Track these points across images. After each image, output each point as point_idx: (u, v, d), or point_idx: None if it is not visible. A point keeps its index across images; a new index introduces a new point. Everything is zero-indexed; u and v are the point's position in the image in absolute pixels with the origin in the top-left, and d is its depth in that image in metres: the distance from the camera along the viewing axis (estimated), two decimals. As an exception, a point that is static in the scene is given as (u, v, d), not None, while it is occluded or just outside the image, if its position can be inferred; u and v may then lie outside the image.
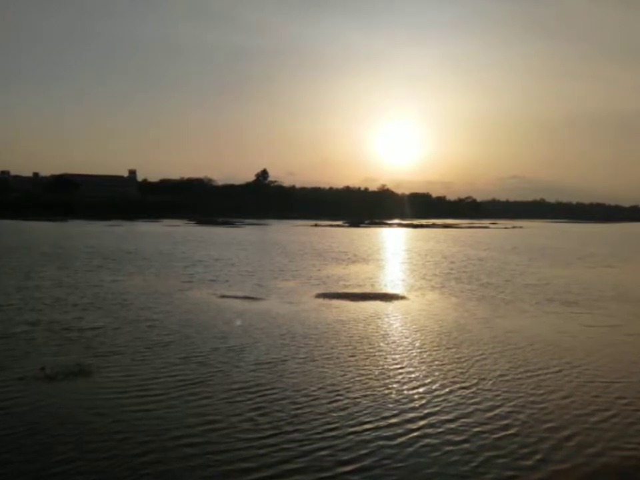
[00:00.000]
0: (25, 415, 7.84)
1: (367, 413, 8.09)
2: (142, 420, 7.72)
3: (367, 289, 21.63)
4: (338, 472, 6.35)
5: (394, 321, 15.39)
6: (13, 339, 12.04)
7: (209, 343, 12.15)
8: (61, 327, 13.27)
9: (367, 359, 11.13)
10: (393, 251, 46.25)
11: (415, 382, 9.65)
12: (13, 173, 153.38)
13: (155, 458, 6.59)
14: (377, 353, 11.59)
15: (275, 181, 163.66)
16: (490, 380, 9.86)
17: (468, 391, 9.20)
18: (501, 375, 10.15)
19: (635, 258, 44.61)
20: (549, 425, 7.85)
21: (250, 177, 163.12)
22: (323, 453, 6.78)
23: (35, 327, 13.25)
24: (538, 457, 6.84)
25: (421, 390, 9.21)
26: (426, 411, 8.23)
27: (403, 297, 19.41)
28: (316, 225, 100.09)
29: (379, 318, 15.55)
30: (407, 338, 13.11)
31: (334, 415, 8.02)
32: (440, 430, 7.55)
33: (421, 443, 7.12)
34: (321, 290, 20.69)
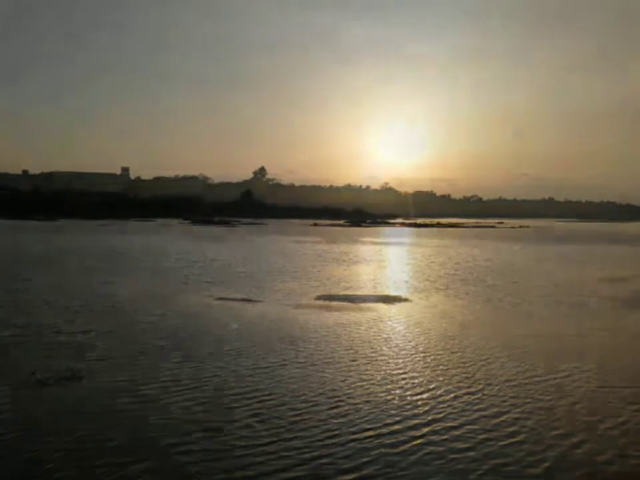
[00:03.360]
0: (14, 421, 7.83)
1: (368, 420, 8.09)
2: (135, 427, 7.71)
3: (369, 291, 21.64)
4: (339, 480, 6.36)
5: (397, 324, 15.40)
6: (2, 343, 12.05)
7: (205, 346, 12.15)
8: (52, 331, 13.25)
9: (368, 363, 11.14)
10: (396, 252, 46.26)
11: (418, 387, 9.66)
12: (0, 170, 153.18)
13: (149, 466, 6.58)
14: (379, 357, 11.59)
15: (273, 179, 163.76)
16: (496, 385, 9.86)
17: (473, 397, 9.20)
18: (507, 380, 10.15)
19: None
20: (557, 431, 7.85)
21: (248, 174, 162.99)
22: (323, 460, 6.78)
23: (24, 331, 13.24)
24: (546, 464, 6.84)
25: (424, 395, 9.21)
26: (430, 418, 8.23)
27: (406, 299, 19.42)
28: (315, 225, 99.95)
29: (381, 321, 15.55)
30: (410, 341, 13.12)
31: (334, 421, 8.02)
32: (444, 437, 7.54)
33: (425, 451, 7.11)
34: (321, 292, 20.69)
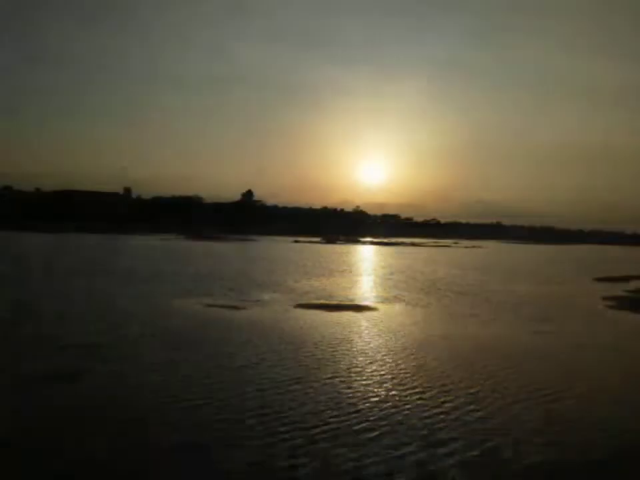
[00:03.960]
0: (15, 421, 7.01)
1: (368, 421, 7.37)
2: (132, 428, 6.92)
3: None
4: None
5: (396, 325, 14.84)
6: (3, 343, 11.18)
7: (205, 347, 11.38)
8: (52, 333, 12.32)
9: (370, 363, 10.48)
10: (379, 263, 45.93)
11: (419, 388, 8.95)
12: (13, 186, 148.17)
13: (146, 468, 5.84)
14: (379, 359, 10.90)
15: (259, 201, 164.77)
16: (498, 385, 9.24)
17: (475, 397, 8.55)
18: (509, 380, 9.54)
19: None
20: (560, 433, 7.25)
21: (236, 196, 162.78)
22: (324, 462, 6.04)
23: (26, 330, 12.37)
24: (550, 466, 6.23)
25: (425, 396, 8.55)
26: (431, 419, 7.54)
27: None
28: (296, 242, 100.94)
29: (382, 321, 15.10)
30: (410, 342, 12.54)
31: (334, 421, 7.29)
32: (445, 438, 6.87)
33: (426, 452, 6.42)
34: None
